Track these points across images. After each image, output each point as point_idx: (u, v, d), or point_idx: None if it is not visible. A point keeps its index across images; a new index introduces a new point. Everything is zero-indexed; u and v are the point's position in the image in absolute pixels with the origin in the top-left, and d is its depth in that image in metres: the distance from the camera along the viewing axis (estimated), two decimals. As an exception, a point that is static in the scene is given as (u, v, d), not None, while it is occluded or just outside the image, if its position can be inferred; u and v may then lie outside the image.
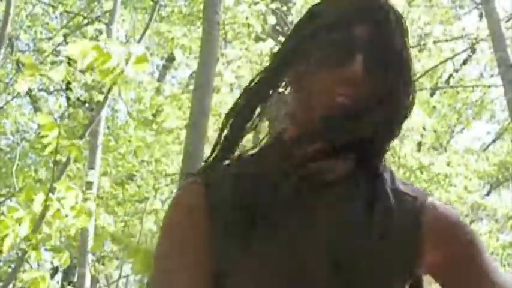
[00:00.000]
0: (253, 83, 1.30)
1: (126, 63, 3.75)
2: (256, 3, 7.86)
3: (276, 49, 7.54)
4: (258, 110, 1.28)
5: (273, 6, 7.84)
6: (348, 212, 1.21)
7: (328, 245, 1.18)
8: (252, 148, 1.30)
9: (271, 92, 1.27)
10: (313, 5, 1.30)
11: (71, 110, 10.55)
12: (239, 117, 1.28)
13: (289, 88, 1.27)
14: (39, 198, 3.99)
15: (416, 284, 1.26)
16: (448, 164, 9.49)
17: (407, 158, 9.76)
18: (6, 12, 5.40)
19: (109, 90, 4.25)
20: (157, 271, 1.24)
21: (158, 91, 8.88)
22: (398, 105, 1.24)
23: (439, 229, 1.24)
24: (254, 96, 1.29)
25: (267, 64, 1.32)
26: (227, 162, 1.29)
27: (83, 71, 4.04)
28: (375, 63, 1.20)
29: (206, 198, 1.23)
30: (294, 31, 1.29)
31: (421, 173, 9.74)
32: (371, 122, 1.20)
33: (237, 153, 1.29)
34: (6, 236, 3.87)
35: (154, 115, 8.81)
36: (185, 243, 1.22)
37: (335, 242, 1.18)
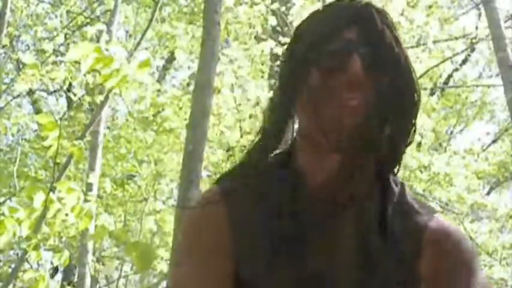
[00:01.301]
0: (273, 107, 1.32)
1: (128, 62, 3.75)
2: (256, 4, 7.86)
3: (276, 49, 7.54)
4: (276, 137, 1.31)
5: (273, 6, 7.84)
6: (360, 238, 1.24)
7: (348, 273, 1.23)
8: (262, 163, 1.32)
9: (287, 120, 1.30)
10: (297, 26, 1.33)
11: (71, 110, 10.56)
12: (260, 150, 1.32)
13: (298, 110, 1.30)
14: (39, 197, 3.99)
15: None
16: (448, 164, 9.49)
17: (407, 157, 9.76)
18: (3, 12, 5.40)
19: (109, 90, 4.26)
20: (180, 278, 1.27)
21: (159, 91, 8.88)
22: (405, 99, 1.25)
23: (437, 263, 1.25)
24: (273, 127, 1.31)
25: (273, 95, 1.34)
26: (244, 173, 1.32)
27: (84, 74, 4.04)
28: (372, 61, 1.22)
29: (228, 215, 1.27)
30: (287, 56, 1.32)
31: (421, 172, 9.74)
32: (383, 123, 1.23)
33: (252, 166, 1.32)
34: (4, 233, 3.87)
35: (154, 115, 8.82)
36: (207, 254, 1.25)
37: (355, 269, 1.23)
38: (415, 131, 1.28)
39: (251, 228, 1.25)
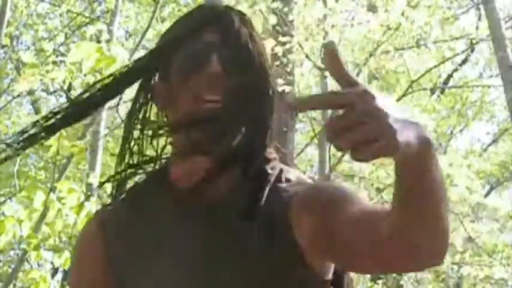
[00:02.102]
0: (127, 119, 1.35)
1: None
2: (256, 3, 7.86)
3: (276, 49, 7.54)
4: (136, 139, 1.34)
5: (274, 5, 7.85)
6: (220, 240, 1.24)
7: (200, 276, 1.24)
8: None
9: (143, 126, 1.33)
10: (165, 31, 1.38)
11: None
12: (122, 155, 1.36)
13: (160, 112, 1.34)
14: (39, 197, 3.99)
15: (338, 280, 1.27)
16: (451, 164, 9.49)
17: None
18: (2, 11, 5.39)
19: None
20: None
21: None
22: (257, 98, 1.28)
23: (300, 203, 1.22)
24: (133, 120, 1.34)
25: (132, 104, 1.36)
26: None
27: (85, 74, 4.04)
28: (231, 62, 1.26)
29: (99, 226, 1.35)
30: (147, 58, 1.35)
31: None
32: (240, 121, 1.26)
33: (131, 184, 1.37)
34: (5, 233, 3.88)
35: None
36: (81, 263, 1.38)
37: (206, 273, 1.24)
38: (271, 131, 1.30)
39: (120, 234, 1.31)
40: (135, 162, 1.34)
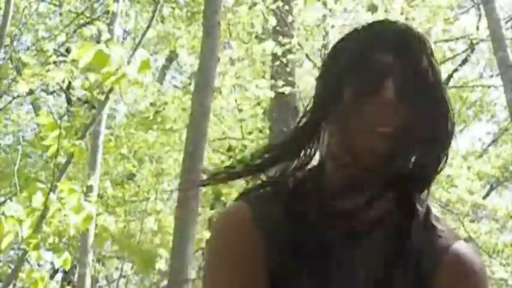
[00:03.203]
0: (300, 124, 1.32)
1: (128, 63, 3.76)
2: (255, 4, 7.86)
3: (276, 49, 7.54)
4: (305, 149, 1.32)
5: (274, 6, 7.84)
6: (373, 268, 1.25)
7: None
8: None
9: (316, 135, 1.30)
10: (335, 44, 1.32)
11: (71, 110, 10.56)
12: (286, 156, 1.32)
13: (327, 127, 1.30)
14: (39, 197, 3.99)
15: None
16: (451, 165, 9.48)
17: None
18: (6, 11, 5.39)
19: (110, 90, 4.26)
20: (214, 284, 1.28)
21: (159, 91, 8.88)
22: (436, 129, 1.24)
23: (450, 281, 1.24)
24: (302, 139, 1.31)
25: (308, 106, 1.33)
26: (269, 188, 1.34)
27: (84, 71, 4.05)
28: (405, 87, 1.21)
29: (257, 227, 1.28)
30: (322, 74, 1.32)
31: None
32: (412, 148, 1.23)
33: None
34: (6, 234, 3.88)
35: (157, 111, 8.80)
36: (242, 264, 1.26)
37: None
38: (446, 160, 1.27)
39: (279, 241, 1.26)
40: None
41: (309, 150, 1.31)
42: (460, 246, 1.27)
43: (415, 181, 1.25)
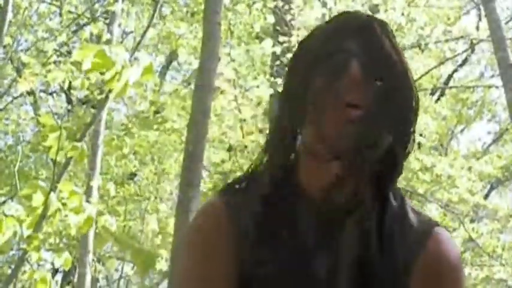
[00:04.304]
0: (278, 121, 1.36)
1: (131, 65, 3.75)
2: (254, 3, 7.87)
3: (275, 48, 7.54)
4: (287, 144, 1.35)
5: (272, 5, 7.85)
6: (356, 246, 1.28)
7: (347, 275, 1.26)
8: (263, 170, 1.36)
9: (298, 129, 1.33)
10: (302, 40, 1.38)
11: (72, 110, 10.56)
12: (274, 152, 1.35)
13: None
14: (39, 197, 3.99)
15: None
16: (452, 166, 9.49)
17: (409, 159, 9.72)
18: (4, 10, 5.38)
19: (110, 90, 4.26)
20: (187, 280, 1.32)
21: (159, 91, 8.88)
22: (403, 106, 1.28)
23: (428, 279, 1.28)
24: (280, 142, 1.35)
25: (278, 107, 1.37)
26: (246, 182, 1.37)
27: (86, 72, 4.05)
28: (370, 66, 1.26)
29: (229, 220, 1.32)
30: (291, 69, 1.35)
31: (424, 174, 9.73)
32: (382, 129, 1.25)
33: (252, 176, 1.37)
34: (5, 233, 3.88)
35: (156, 111, 8.80)
36: (212, 256, 1.30)
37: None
38: (414, 139, 1.30)
39: (252, 236, 1.29)
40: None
41: (285, 144, 1.34)
42: (440, 231, 1.31)
43: (387, 165, 1.28)
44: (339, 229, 1.27)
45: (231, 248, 1.29)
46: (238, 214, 1.31)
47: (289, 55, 7.58)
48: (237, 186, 1.36)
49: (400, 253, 1.27)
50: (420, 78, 9.98)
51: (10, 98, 11.80)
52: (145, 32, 7.83)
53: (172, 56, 12.09)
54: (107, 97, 4.76)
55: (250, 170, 1.37)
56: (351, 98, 1.24)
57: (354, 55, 1.26)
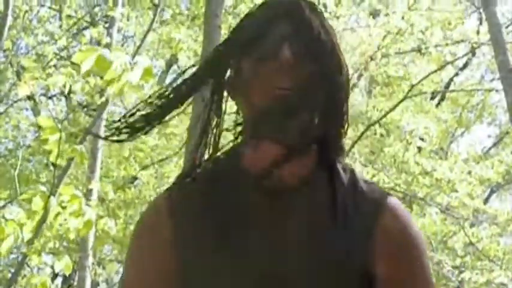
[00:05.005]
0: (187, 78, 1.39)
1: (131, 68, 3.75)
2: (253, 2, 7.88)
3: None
4: (214, 124, 1.38)
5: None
6: (309, 222, 1.28)
7: (298, 255, 1.26)
8: (211, 160, 1.38)
9: (220, 106, 1.37)
10: (235, 26, 1.40)
11: (71, 114, 10.55)
12: (199, 139, 1.39)
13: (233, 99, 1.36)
14: (39, 201, 3.99)
15: None
16: (452, 170, 9.48)
17: (409, 163, 9.74)
18: (4, 14, 5.39)
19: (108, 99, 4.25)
20: (128, 275, 1.36)
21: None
22: (333, 85, 1.31)
23: (389, 245, 1.29)
24: (209, 113, 1.38)
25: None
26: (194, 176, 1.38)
27: (85, 75, 4.06)
28: (301, 48, 1.28)
29: (169, 213, 1.34)
30: (221, 46, 1.39)
31: (424, 178, 9.73)
32: (311, 108, 1.28)
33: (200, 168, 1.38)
34: (6, 237, 3.88)
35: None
36: (151, 250, 1.33)
37: (303, 252, 1.27)
38: (347, 117, 1.34)
39: (194, 220, 1.31)
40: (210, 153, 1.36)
41: (213, 133, 1.37)
42: (393, 200, 1.33)
43: (325, 141, 1.32)
44: (286, 206, 1.28)
45: (170, 240, 1.31)
46: (178, 207, 1.33)
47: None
48: (182, 180, 1.38)
49: (355, 221, 1.28)
50: (420, 82, 9.99)
51: (10, 102, 11.80)
52: (145, 36, 7.84)
53: (172, 60, 12.09)
54: (106, 100, 4.76)
55: (197, 162, 1.38)
56: (280, 82, 1.26)
57: (284, 39, 1.28)
